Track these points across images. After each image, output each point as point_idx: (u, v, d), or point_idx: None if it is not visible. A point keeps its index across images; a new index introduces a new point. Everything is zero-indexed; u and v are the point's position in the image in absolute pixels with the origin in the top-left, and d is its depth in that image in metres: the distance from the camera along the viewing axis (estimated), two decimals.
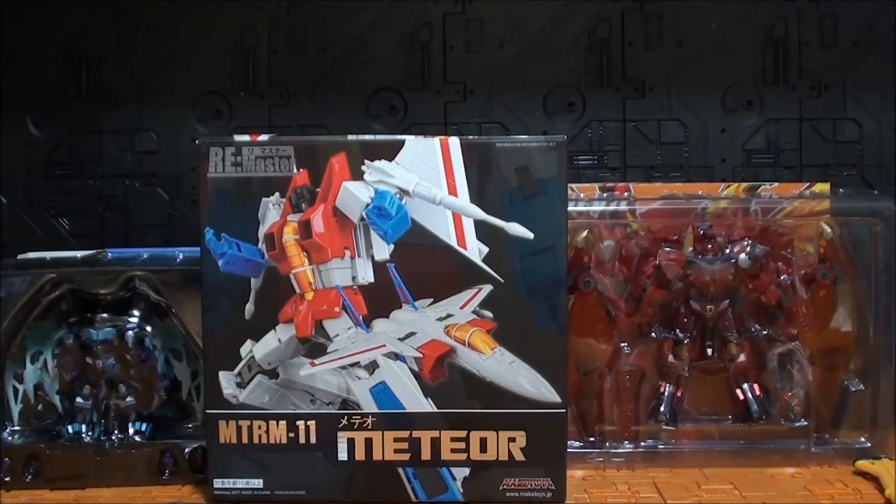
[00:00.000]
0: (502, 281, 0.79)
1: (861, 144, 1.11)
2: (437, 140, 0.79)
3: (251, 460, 0.81)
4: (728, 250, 0.88)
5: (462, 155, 0.79)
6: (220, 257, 0.80)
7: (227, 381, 0.81)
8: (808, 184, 0.90)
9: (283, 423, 0.81)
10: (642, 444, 0.90)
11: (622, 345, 0.90)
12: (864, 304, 0.90)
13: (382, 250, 0.79)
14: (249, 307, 0.80)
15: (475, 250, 0.79)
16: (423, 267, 0.79)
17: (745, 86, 1.11)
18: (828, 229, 0.89)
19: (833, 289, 0.90)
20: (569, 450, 0.83)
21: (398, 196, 0.79)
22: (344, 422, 0.81)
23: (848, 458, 0.88)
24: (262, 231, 0.80)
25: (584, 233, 0.89)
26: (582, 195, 0.90)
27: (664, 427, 0.90)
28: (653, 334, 0.90)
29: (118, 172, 1.14)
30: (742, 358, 0.90)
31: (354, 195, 0.79)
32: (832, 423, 0.91)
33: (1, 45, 1.12)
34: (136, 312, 0.90)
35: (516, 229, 0.79)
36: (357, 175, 0.79)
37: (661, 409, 0.90)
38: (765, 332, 0.90)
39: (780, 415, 0.90)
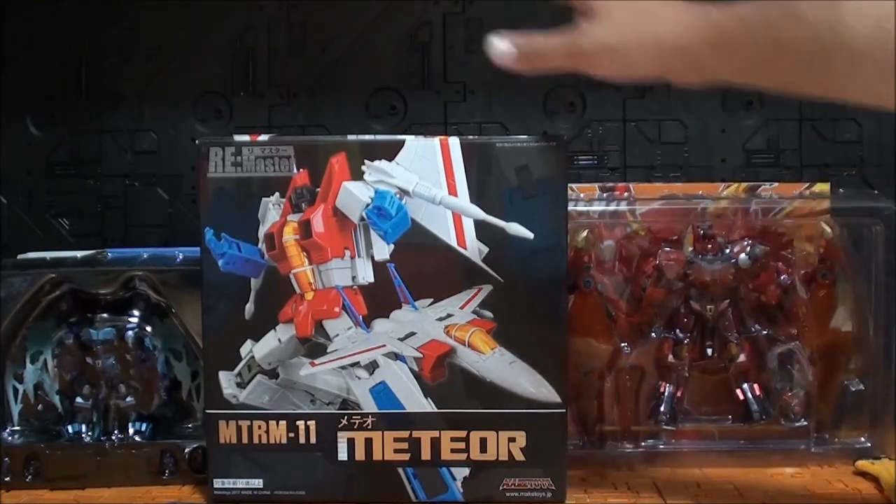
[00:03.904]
0: (502, 281, 0.79)
1: (861, 144, 1.11)
2: (437, 140, 0.79)
3: (251, 460, 0.81)
4: (728, 250, 0.88)
5: (462, 155, 0.79)
6: (220, 257, 0.80)
7: (227, 381, 0.81)
8: (808, 184, 0.90)
9: (283, 423, 0.81)
10: (642, 444, 0.90)
11: (622, 345, 0.90)
12: (864, 304, 0.90)
13: (382, 250, 0.79)
14: (249, 307, 0.80)
15: (475, 250, 0.79)
16: (423, 267, 0.79)
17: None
18: (828, 229, 0.89)
19: (833, 289, 0.90)
20: (569, 450, 0.83)
21: (398, 196, 0.79)
22: (344, 422, 0.81)
23: (848, 458, 0.88)
24: (262, 231, 0.80)
25: (584, 233, 0.89)
26: (582, 195, 0.90)
27: (664, 427, 0.90)
28: (653, 334, 0.90)
29: (118, 172, 1.14)
30: (742, 358, 0.90)
31: (354, 195, 0.79)
32: (832, 423, 0.91)
33: (1, 45, 1.12)
34: (136, 312, 0.90)
35: (516, 229, 0.79)
36: (357, 175, 0.79)
37: (661, 409, 0.90)
38: (765, 332, 0.90)
39: (780, 415, 0.90)
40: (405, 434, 0.80)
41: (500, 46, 0.69)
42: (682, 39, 0.64)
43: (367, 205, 0.79)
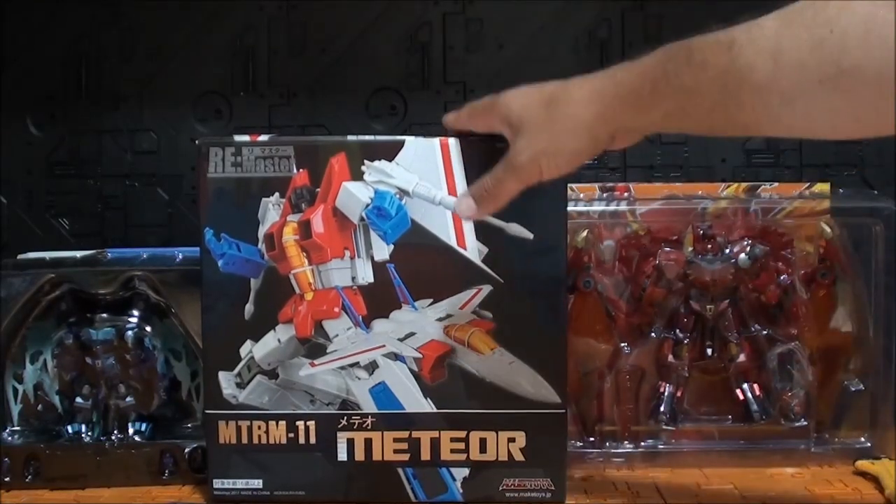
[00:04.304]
0: (502, 281, 0.79)
1: (861, 144, 1.11)
2: (436, 140, 0.79)
3: (251, 460, 0.81)
4: (728, 250, 0.88)
5: (462, 155, 0.79)
6: (219, 257, 0.80)
7: (226, 381, 0.81)
8: (808, 184, 0.90)
9: (282, 423, 0.81)
10: (642, 444, 0.90)
11: (622, 345, 0.90)
12: (864, 304, 0.90)
13: (382, 251, 0.79)
14: (249, 307, 0.80)
15: (475, 250, 0.79)
16: (422, 267, 0.79)
17: None
18: (828, 229, 0.89)
19: (833, 289, 0.90)
20: (569, 450, 0.83)
21: (398, 196, 0.79)
22: (344, 422, 0.81)
23: (848, 458, 0.88)
24: (262, 231, 0.80)
25: (584, 233, 0.89)
26: (582, 195, 0.90)
27: (664, 427, 0.90)
28: (653, 334, 0.90)
29: (118, 172, 1.14)
30: (742, 358, 0.90)
31: (354, 195, 0.79)
32: (832, 423, 0.91)
33: (1, 45, 1.12)
34: (135, 312, 0.90)
35: (516, 229, 0.79)
36: (357, 175, 0.79)
37: (661, 409, 0.90)
38: (765, 332, 0.90)
39: (780, 415, 0.90)
40: (405, 434, 0.80)
41: (463, 207, 0.74)
42: (600, 110, 0.66)
43: (367, 205, 0.79)
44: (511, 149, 0.71)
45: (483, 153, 0.78)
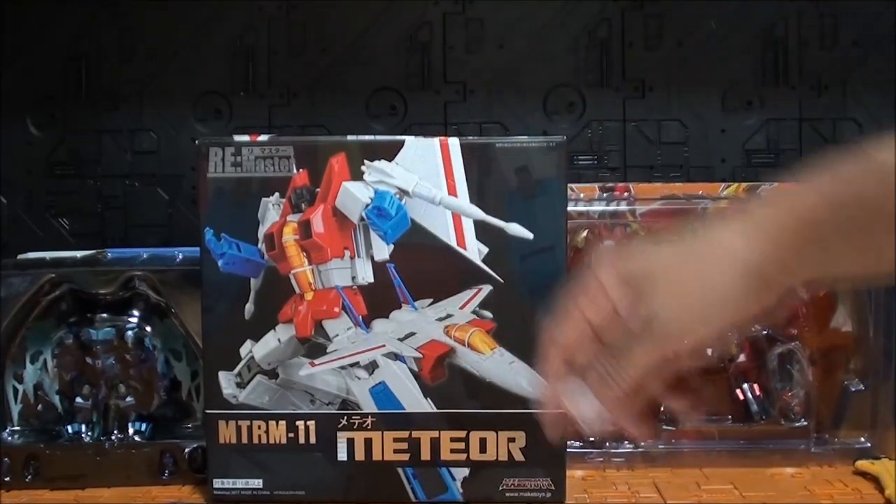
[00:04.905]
0: (502, 281, 0.79)
1: (861, 142, 1.11)
2: (436, 140, 0.79)
3: (251, 460, 0.81)
4: None
5: (462, 155, 0.79)
6: (219, 257, 0.80)
7: (226, 381, 0.81)
8: None
9: (282, 423, 0.81)
10: (642, 444, 0.90)
11: None
12: (864, 304, 0.90)
13: (382, 250, 0.79)
14: (249, 307, 0.80)
15: (475, 250, 0.79)
16: (422, 267, 0.79)
17: (745, 86, 1.11)
18: None
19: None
20: (569, 450, 0.83)
21: (398, 196, 0.79)
22: (344, 422, 0.81)
23: (848, 458, 0.88)
24: (262, 231, 0.80)
25: (584, 233, 0.89)
26: (582, 195, 0.90)
27: (664, 427, 0.90)
28: None
29: (118, 172, 1.14)
30: (742, 358, 0.90)
31: (354, 195, 0.79)
32: (832, 423, 0.91)
33: (1, 45, 1.12)
34: (135, 312, 0.90)
35: (516, 229, 0.79)
36: (357, 175, 0.79)
37: (661, 409, 0.90)
38: (765, 332, 0.90)
39: (780, 415, 0.90)
40: (405, 434, 0.80)
41: (597, 427, 0.57)
42: (765, 246, 0.52)
43: (367, 205, 0.79)
44: (639, 314, 0.53)
45: (483, 153, 0.79)
